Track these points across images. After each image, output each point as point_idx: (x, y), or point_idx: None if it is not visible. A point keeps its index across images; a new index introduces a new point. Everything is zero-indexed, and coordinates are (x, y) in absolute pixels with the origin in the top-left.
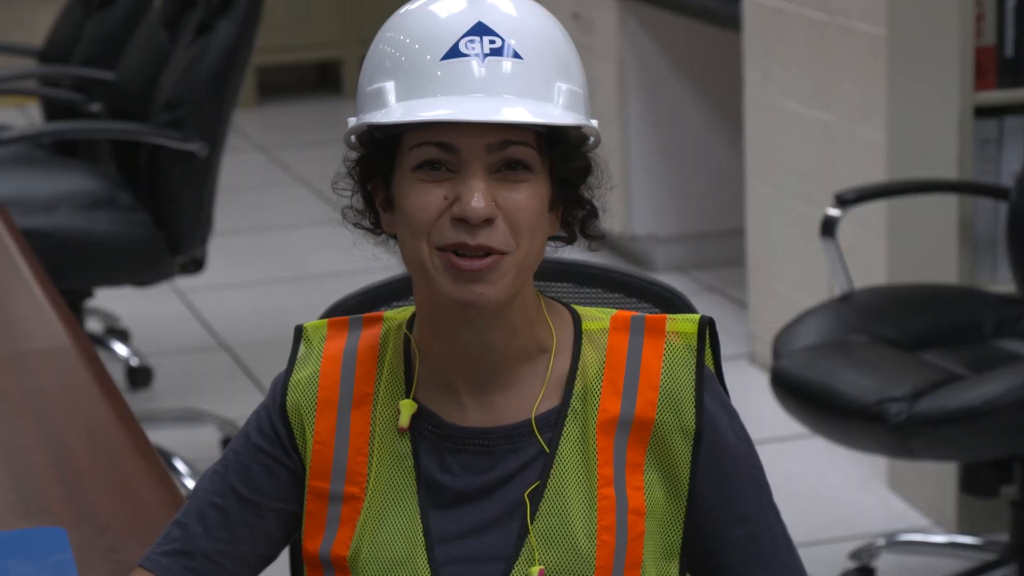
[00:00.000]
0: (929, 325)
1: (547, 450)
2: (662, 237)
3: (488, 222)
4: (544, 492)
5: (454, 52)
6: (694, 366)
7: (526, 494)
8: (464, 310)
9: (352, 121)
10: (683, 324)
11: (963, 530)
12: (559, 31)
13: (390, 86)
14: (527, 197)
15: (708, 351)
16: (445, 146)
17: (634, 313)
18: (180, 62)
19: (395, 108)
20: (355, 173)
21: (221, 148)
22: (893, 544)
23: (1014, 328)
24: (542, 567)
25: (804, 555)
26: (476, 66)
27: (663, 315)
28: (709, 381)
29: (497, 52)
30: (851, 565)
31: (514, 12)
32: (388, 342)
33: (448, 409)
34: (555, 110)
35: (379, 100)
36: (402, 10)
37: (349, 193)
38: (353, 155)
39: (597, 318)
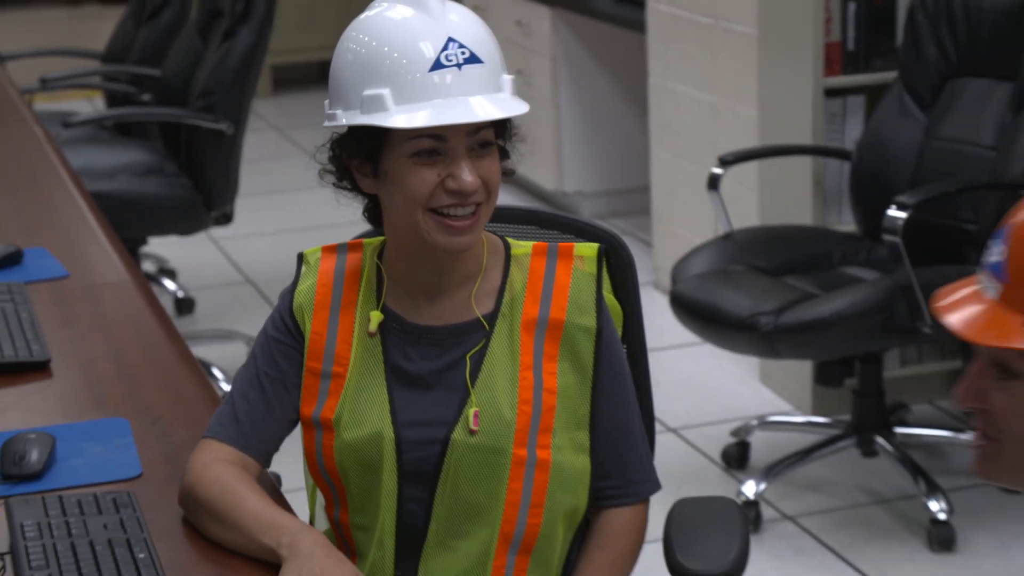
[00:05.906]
0: (790, 256)
1: (487, 328)
2: (587, 193)
3: None
4: (479, 373)
5: (437, 65)
6: (594, 282)
7: (468, 355)
8: (446, 254)
9: (344, 116)
10: (585, 250)
11: (817, 412)
12: (489, 30)
13: (387, 93)
14: (493, 162)
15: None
16: (438, 136)
17: (549, 244)
18: (211, 61)
19: (395, 112)
20: (339, 146)
21: (244, 128)
22: (764, 424)
23: (855, 258)
24: (477, 409)
25: (695, 434)
26: (456, 74)
27: (571, 243)
28: (602, 297)
29: (467, 61)
30: (732, 440)
31: (468, 23)
32: (365, 264)
33: (409, 311)
34: (510, 98)
35: (379, 104)
36: (377, 16)
37: (326, 157)
38: (340, 130)
39: (522, 246)
